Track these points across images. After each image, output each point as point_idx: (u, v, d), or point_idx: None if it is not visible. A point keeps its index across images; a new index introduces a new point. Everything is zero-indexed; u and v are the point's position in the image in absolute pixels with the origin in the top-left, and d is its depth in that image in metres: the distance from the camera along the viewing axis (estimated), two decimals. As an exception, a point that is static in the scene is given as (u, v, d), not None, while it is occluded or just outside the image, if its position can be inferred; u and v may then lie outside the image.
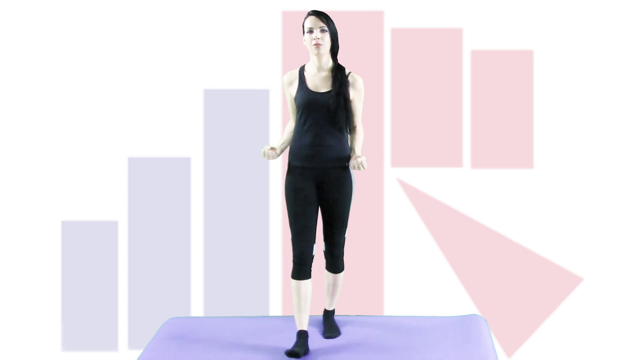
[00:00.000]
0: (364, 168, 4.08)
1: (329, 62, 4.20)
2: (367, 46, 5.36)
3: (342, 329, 4.44)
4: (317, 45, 4.12)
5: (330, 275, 4.39)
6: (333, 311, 4.50)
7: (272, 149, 4.17)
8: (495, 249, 5.37)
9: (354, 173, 4.26)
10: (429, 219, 5.41)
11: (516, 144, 5.40)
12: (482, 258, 5.37)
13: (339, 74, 4.18)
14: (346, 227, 4.27)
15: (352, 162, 4.11)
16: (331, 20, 4.17)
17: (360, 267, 5.34)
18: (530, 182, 5.41)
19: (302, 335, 4.20)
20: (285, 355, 4.12)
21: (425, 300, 5.40)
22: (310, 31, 4.13)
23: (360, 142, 4.22)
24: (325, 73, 4.20)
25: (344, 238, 4.30)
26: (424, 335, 4.35)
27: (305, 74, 4.22)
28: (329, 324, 4.44)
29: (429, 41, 5.38)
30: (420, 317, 4.64)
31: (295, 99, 4.21)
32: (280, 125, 5.31)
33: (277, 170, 5.29)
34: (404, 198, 5.42)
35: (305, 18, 4.17)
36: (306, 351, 4.15)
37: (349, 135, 4.25)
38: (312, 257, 4.20)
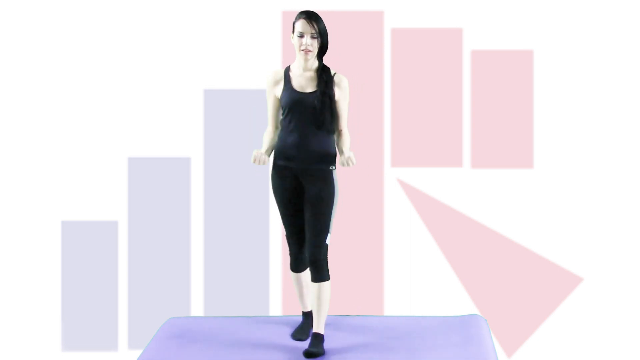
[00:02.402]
0: (353, 164, 4.03)
1: (315, 63, 4.17)
2: (367, 46, 5.36)
3: (342, 329, 4.43)
4: (307, 52, 4.10)
5: (315, 285, 4.16)
6: (322, 337, 4.19)
7: (263, 153, 4.08)
8: (495, 249, 5.37)
9: (338, 177, 4.21)
10: (429, 219, 5.41)
11: (516, 144, 5.39)
12: (482, 258, 5.37)
13: (324, 74, 4.15)
14: (328, 231, 4.15)
15: (340, 159, 4.08)
16: (322, 21, 4.10)
17: (360, 267, 5.34)
18: (530, 182, 5.41)
19: (308, 316, 4.39)
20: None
21: (425, 300, 5.40)
22: (301, 36, 4.10)
23: (348, 144, 4.15)
24: (311, 73, 4.17)
25: (326, 244, 4.17)
26: (424, 335, 4.34)
27: (290, 74, 4.19)
28: (315, 345, 4.18)
29: (429, 41, 5.38)
30: (420, 317, 4.63)
31: (281, 99, 4.18)
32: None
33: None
34: (404, 198, 5.42)
35: (297, 19, 4.12)
36: (308, 334, 4.31)
37: (334, 137, 4.19)
38: None
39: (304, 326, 4.40)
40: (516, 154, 5.39)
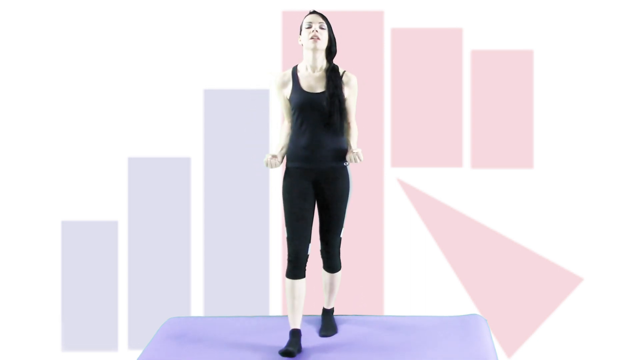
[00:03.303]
0: (360, 160, 4.06)
1: (323, 62, 4.20)
2: (367, 46, 5.36)
3: (342, 329, 4.44)
4: (315, 38, 4.12)
5: (327, 274, 4.39)
6: (332, 310, 4.49)
7: (274, 156, 4.11)
8: (495, 249, 5.37)
9: (351, 173, 4.27)
10: (429, 219, 5.41)
11: (516, 144, 5.40)
12: (482, 258, 5.37)
13: (333, 75, 4.17)
14: (342, 227, 4.28)
15: (348, 156, 4.10)
16: (330, 24, 4.19)
17: (360, 267, 5.34)
18: (530, 182, 5.41)
19: (296, 334, 4.20)
20: (279, 355, 4.13)
21: (425, 300, 5.40)
22: (309, 26, 4.13)
23: (355, 138, 4.22)
24: (320, 73, 4.19)
25: (340, 238, 4.31)
26: (424, 335, 4.34)
27: (298, 74, 4.21)
28: (326, 323, 4.44)
29: (429, 41, 5.38)
30: (420, 317, 4.63)
31: (290, 100, 4.20)
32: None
33: (277, 170, 5.28)
34: (404, 198, 5.42)
35: (305, 17, 4.18)
36: (299, 349, 4.15)
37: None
38: (307, 256, 4.22)
39: (291, 344, 4.15)
40: (516, 154, 5.40)
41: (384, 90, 5.40)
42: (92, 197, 5.42)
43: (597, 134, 5.40)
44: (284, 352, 4.08)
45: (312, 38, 4.12)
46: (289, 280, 4.20)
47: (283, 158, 4.21)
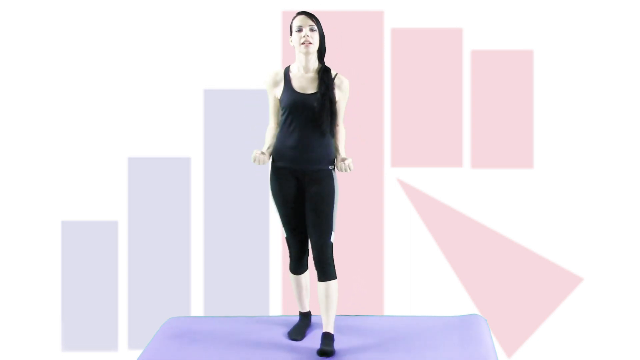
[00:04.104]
0: (350, 170, 4.06)
1: (315, 63, 4.17)
2: (367, 46, 5.36)
3: (342, 329, 4.43)
4: (307, 44, 4.09)
5: (322, 285, 4.17)
6: (333, 336, 4.21)
7: (262, 153, 4.09)
8: (495, 249, 5.37)
9: (345, 176, 4.24)
10: (429, 219, 5.41)
11: (516, 144, 5.40)
12: (482, 258, 5.37)
13: (325, 76, 4.15)
14: (332, 230, 4.17)
15: (339, 165, 4.09)
16: (319, 22, 4.15)
17: (360, 267, 5.34)
18: (530, 182, 5.41)
19: (306, 316, 4.46)
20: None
21: (425, 300, 5.40)
22: (300, 29, 4.11)
23: (344, 142, 4.19)
24: (312, 74, 4.16)
25: (331, 243, 4.17)
26: (424, 335, 4.35)
27: (290, 74, 4.19)
28: (325, 344, 4.19)
29: (429, 41, 5.38)
30: (420, 317, 4.64)
31: (281, 100, 4.18)
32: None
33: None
34: (404, 198, 5.42)
35: (294, 18, 4.15)
36: (303, 335, 4.37)
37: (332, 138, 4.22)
38: (307, 251, 4.32)
39: (300, 326, 4.42)
40: (516, 154, 5.40)
41: (384, 90, 5.39)
42: (92, 197, 5.42)
43: (597, 134, 5.40)
44: (293, 338, 4.34)
45: (303, 44, 4.10)
46: (293, 275, 4.38)
47: (270, 156, 4.18)
